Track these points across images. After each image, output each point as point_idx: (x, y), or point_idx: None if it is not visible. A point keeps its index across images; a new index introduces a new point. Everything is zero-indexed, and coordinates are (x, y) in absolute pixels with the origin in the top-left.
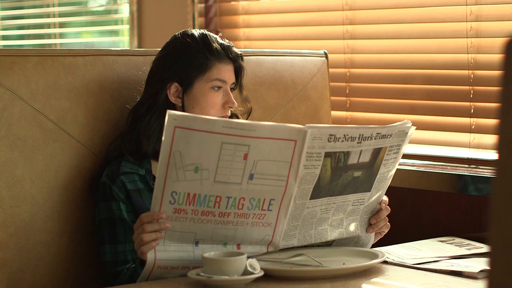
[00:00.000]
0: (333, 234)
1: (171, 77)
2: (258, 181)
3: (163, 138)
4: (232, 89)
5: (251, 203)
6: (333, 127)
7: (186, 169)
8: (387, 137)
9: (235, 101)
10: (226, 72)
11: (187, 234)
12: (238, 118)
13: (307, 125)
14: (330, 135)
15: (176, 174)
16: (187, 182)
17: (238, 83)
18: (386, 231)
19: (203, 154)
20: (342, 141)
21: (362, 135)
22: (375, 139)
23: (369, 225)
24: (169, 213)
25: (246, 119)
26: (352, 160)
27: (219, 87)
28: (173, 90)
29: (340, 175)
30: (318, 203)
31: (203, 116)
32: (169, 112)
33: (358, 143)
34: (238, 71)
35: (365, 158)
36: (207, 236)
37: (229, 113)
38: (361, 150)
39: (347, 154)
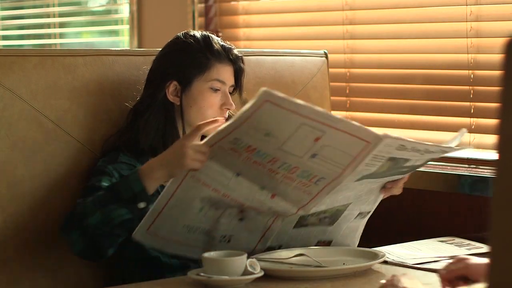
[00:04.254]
0: (351, 198)
1: (170, 75)
2: (318, 161)
3: (248, 105)
4: (231, 93)
5: (303, 173)
6: (407, 141)
7: (258, 130)
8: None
9: (233, 103)
10: (225, 73)
11: (234, 165)
12: None
13: (384, 133)
14: (401, 145)
15: (247, 129)
16: (254, 138)
17: (237, 86)
18: (398, 193)
19: (280, 127)
20: (409, 151)
21: (428, 149)
22: (435, 152)
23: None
24: (225, 147)
25: None
26: (408, 163)
27: (218, 89)
28: (171, 89)
29: (391, 171)
30: (358, 183)
31: (297, 101)
32: (265, 89)
33: (421, 154)
34: (238, 74)
35: (418, 162)
36: (251, 175)
37: (226, 115)
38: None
39: (407, 160)
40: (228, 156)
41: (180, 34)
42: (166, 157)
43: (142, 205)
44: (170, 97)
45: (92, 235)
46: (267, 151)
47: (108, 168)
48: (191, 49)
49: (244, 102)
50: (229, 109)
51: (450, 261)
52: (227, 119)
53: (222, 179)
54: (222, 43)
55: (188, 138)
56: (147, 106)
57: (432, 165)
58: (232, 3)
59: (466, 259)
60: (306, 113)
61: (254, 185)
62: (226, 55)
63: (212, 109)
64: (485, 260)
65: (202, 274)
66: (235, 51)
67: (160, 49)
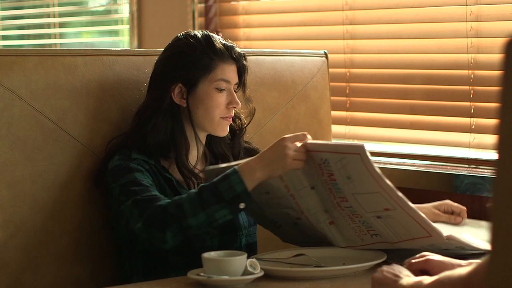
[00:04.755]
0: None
1: (175, 78)
2: (381, 223)
3: (343, 143)
4: (235, 90)
5: (363, 223)
6: (467, 244)
7: (343, 169)
8: None
9: (239, 101)
10: (230, 72)
11: (313, 179)
12: (240, 120)
13: (449, 235)
14: (460, 246)
15: (337, 161)
16: (337, 172)
17: (241, 83)
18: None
19: (360, 180)
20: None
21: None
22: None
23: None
24: (316, 160)
25: (249, 121)
26: None
27: (223, 88)
28: (177, 91)
29: None
30: None
31: (383, 175)
32: (363, 146)
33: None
34: (241, 71)
35: None
36: (322, 195)
37: (232, 114)
38: None
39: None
40: (313, 169)
41: (180, 35)
42: (266, 158)
43: (242, 205)
44: (176, 100)
45: (191, 235)
46: (343, 189)
47: (131, 165)
48: (194, 51)
49: (248, 99)
50: (235, 107)
51: (414, 256)
52: (233, 119)
53: (297, 184)
54: (223, 42)
55: (289, 139)
56: (153, 110)
57: (432, 165)
58: (232, 3)
59: (428, 255)
60: (386, 188)
61: (320, 205)
62: (229, 54)
63: (219, 109)
64: (444, 258)
65: (202, 274)
66: (237, 49)
67: (160, 49)
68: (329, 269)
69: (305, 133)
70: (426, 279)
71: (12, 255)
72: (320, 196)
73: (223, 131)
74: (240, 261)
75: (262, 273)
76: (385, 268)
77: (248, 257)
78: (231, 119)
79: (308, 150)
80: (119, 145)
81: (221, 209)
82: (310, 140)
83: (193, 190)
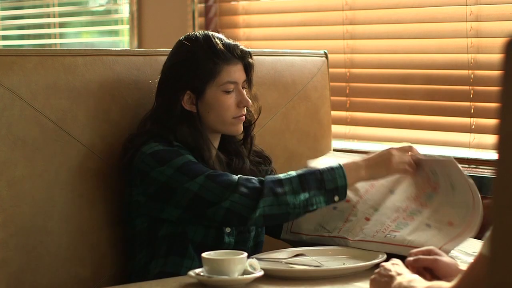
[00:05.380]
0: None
1: (182, 86)
2: (419, 227)
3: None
4: (244, 88)
5: (399, 224)
6: None
7: (449, 177)
8: None
9: (249, 100)
10: (236, 72)
11: (406, 187)
12: (249, 115)
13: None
14: None
15: (444, 169)
16: (444, 182)
17: (248, 81)
18: None
19: (460, 192)
20: None
21: None
22: None
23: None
24: (426, 169)
25: (257, 118)
26: None
27: (231, 90)
28: (186, 98)
29: None
30: None
31: (471, 182)
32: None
33: None
34: (248, 68)
35: None
36: (398, 199)
37: (244, 112)
38: None
39: None
40: (421, 179)
41: (182, 39)
42: (372, 159)
43: (337, 198)
44: (187, 106)
45: (283, 212)
46: (434, 197)
47: (178, 149)
48: (197, 58)
49: (254, 96)
50: (246, 105)
51: (422, 249)
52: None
53: (385, 182)
54: (226, 41)
55: (395, 148)
56: (166, 118)
57: None
58: (232, 3)
59: (437, 253)
60: (476, 201)
61: (380, 204)
62: (233, 54)
63: (230, 110)
64: (451, 261)
65: (202, 274)
66: (241, 47)
67: (160, 49)
68: (329, 269)
69: (411, 145)
70: (418, 285)
71: (12, 255)
72: (393, 200)
73: (237, 130)
74: (240, 261)
75: (262, 273)
76: (382, 269)
77: (252, 256)
78: (244, 117)
79: (418, 160)
80: (145, 135)
81: (319, 196)
82: (416, 151)
83: (291, 172)
